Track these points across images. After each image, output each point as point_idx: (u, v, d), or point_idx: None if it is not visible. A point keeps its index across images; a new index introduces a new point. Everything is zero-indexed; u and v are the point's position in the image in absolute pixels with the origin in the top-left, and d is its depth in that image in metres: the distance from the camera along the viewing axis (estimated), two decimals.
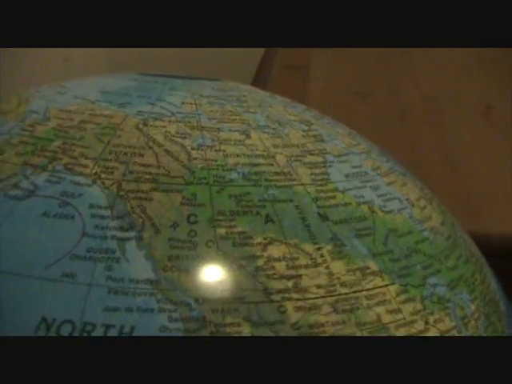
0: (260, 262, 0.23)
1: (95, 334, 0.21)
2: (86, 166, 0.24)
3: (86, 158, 0.25)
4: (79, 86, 0.30)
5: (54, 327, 0.21)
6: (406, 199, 0.28)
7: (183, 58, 1.07)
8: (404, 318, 0.24)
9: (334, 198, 0.25)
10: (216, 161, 0.25)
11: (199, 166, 0.25)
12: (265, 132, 0.27)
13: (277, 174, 0.25)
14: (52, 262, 0.22)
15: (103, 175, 0.24)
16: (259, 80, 0.60)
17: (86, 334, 0.21)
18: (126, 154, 0.25)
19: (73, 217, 0.23)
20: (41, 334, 0.21)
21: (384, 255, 0.25)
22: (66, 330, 0.21)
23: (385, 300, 0.24)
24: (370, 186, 0.27)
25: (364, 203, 0.26)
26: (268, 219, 0.24)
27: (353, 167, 0.28)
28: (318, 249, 0.24)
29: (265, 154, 0.26)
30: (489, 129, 0.55)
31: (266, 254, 0.23)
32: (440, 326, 0.25)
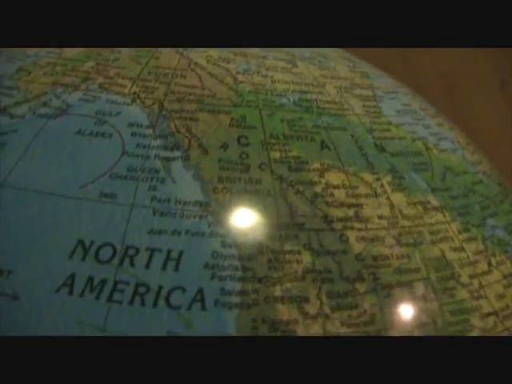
0: (318, 188, 0.21)
1: (138, 258, 0.19)
2: (123, 86, 0.22)
3: (123, 78, 0.22)
4: None
5: (92, 250, 0.19)
6: (457, 141, 0.26)
7: None
8: (468, 257, 0.22)
9: (388, 130, 0.24)
10: (264, 85, 0.23)
11: (247, 89, 0.23)
12: (311, 63, 0.25)
13: (328, 102, 0.23)
14: (89, 181, 0.20)
15: (143, 95, 0.22)
16: None
17: (128, 259, 0.19)
18: (166, 75, 0.23)
19: (110, 135, 0.21)
20: (77, 258, 0.19)
21: (443, 191, 0.23)
22: (105, 254, 0.19)
23: (448, 236, 0.22)
24: (422, 124, 0.25)
25: (418, 139, 0.24)
26: (324, 145, 0.22)
27: (403, 105, 0.26)
28: (378, 179, 0.22)
29: (314, 83, 0.24)
30: (505, 103, 0.54)
31: (323, 181, 0.21)
32: (502, 268, 0.23)
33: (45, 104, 0.22)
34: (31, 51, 0.25)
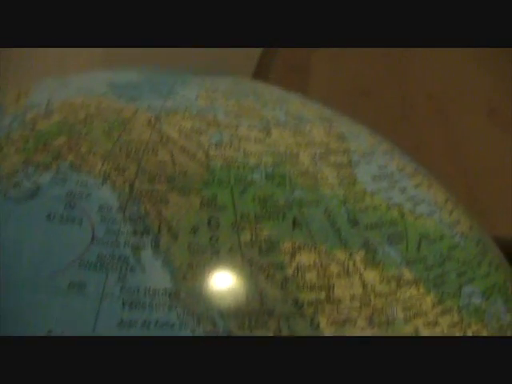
0: (289, 271, 0.20)
1: None
2: (94, 165, 0.22)
3: (94, 155, 0.22)
4: (83, 79, 0.27)
5: None
6: (434, 202, 0.26)
7: (178, 62, 1.04)
8: (442, 332, 0.22)
9: (362, 200, 0.23)
10: (236, 159, 0.23)
11: (218, 164, 0.22)
12: (286, 128, 0.25)
13: (302, 174, 0.23)
14: (58, 270, 0.20)
15: (113, 174, 0.22)
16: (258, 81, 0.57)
17: None
18: (137, 150, 0.23)
19: (81, 220, 0.21)
20: None
21: (418, 263, 0.23)
22: None
23: (422, 312, 0.22)
24: (398, 188, 0.25)
25: (394, 206, 0.24)
26: (295, 223, 0.22)
27: (379, 167, 0.26)
28: (350, 255, 0.22)
29: (288, 152, 0.24)
30: (494, 129, 0.54)
31: (295, 262, 0.21)
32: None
33: (16, 185, 0.22)
34: (6, 120, 0.25)
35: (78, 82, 0.27)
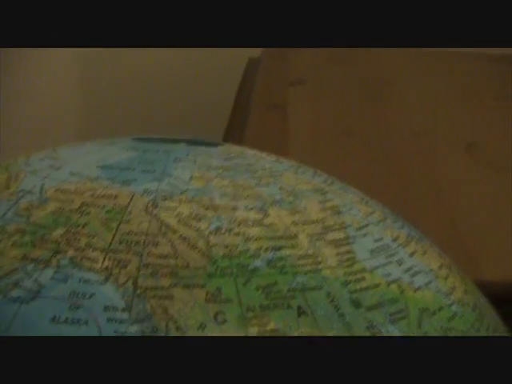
0: None
1: None
2: (95, 260, 0.22)
3: (94, 250, 0.22)
4: (74, 159, 0.27)
5: None
6: (430, 270, 0.27)
7: (158, 107, 1.04)
8: None
9: (363, 279, 0.24)
10: (237, 246, 0.23)
11: (220, 253, 0.22)
12: (282, 208, 0.25)
13: (302, 257, 0.23)
14: None
15: (116, 270, 0.22)
16: (236, 121, 0.57)
17: None
18: (138, 243, 0.22)
19: (86, 322, 0.20)
20: None
21: None
22: None
23: None
24: (396, 261, 0.25)
25: (393, 282, 0.24)
26: (300, 311, 0.22)
27: (375, 241, 0.26)
28: None
29: (286, 234, 0.24)
30: (474, 165, 0.55)
31: None
32: None
33: (16, 284, 0.21)
34: None
35: (70, 164, 0.27)
